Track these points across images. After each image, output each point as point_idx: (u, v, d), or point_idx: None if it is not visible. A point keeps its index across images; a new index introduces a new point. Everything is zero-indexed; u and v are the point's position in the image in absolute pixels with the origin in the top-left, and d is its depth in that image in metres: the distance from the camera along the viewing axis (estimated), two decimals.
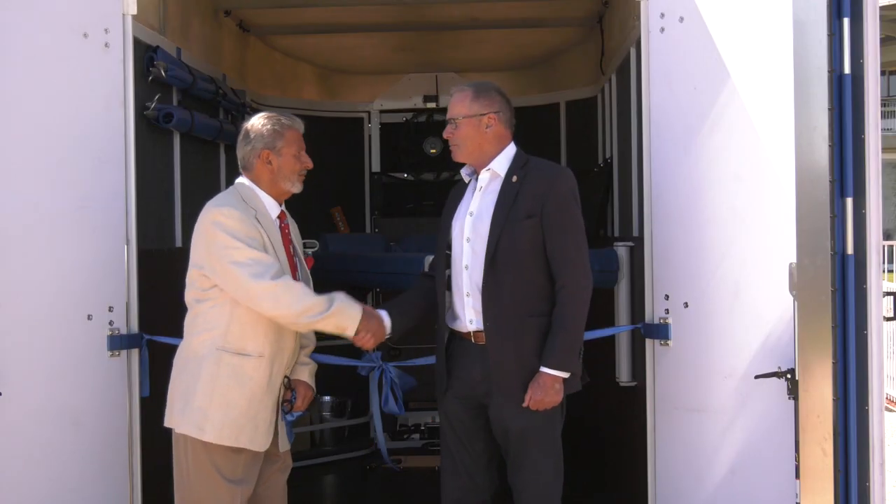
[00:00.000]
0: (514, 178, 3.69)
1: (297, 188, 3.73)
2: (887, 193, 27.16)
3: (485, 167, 3.75)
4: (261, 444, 3.62)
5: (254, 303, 3.51)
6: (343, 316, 3.60)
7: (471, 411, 3.79)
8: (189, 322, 3.66)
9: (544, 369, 3.58)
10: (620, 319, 4.66)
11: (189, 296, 3.65)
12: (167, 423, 3.64)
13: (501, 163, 3.74)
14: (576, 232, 3.65)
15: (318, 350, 3.94)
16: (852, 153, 3.44)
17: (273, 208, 3.70)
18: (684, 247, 3.93)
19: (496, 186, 3.72)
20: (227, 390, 3.54)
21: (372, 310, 3.75)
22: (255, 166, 3.69)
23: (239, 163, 3.75)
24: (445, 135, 3.79)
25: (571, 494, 3.90)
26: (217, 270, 3.54)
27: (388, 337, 3.80)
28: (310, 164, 3.76)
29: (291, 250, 3.75)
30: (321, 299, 3.57)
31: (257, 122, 3.71)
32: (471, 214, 3.75)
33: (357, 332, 3.64)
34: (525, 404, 3.58)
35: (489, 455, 3.84)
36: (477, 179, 3.80)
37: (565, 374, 3.59)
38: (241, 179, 3.73)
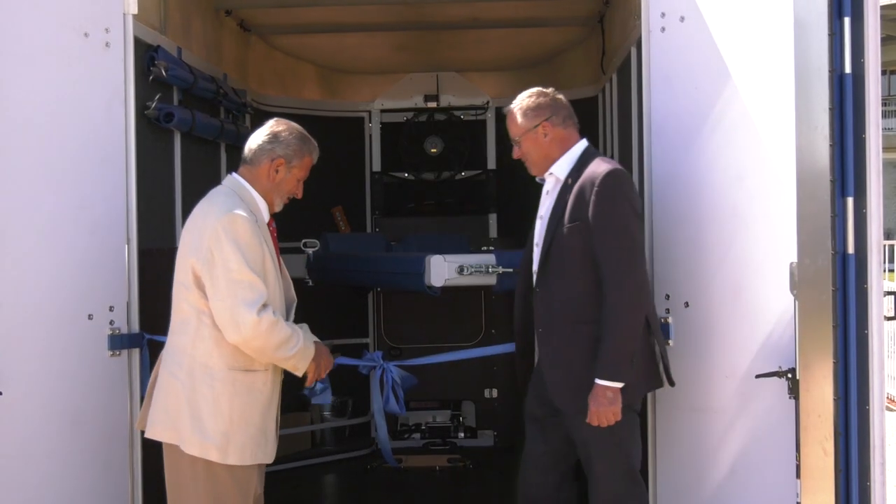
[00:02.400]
0: (569, 181, 3.69)
1: (278, 208, 3.71)
2: (888, 193, 27.12)
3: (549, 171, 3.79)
4: (271, 454, 3.63)
5: (231, 326, 3.42)
6: (300, 357, 3.58)
7: (544, 407, 3.80)
8: (189, 332, 3.52)
9: (596, 380, 3.54)
10: None
11: (187, 301, 3.52)
12: (166, 439, 3.54)
13: (562, 166, 3.75)
14: (621, 234, 3.56)
15: None
16: (853, 153, 3.43)
17: (265, 211, 3.65)
18: (685, 246, 3.93)
19: (558, 189, 3.75)
20: (245, 409, 3.50)
21: (321, 345, 3.73)
22: (262, 165, 3.62)
23: (245, 153, 3.67)
24: (514, 157, 3.84)
25: None
26: (209, 277, 3.44)
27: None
28: (300, 195, 3.74)
29: (278, 253, 3.73)
30: (291, 335, 3.52)
31: (288, 130, 3.66)
32: (540, 219, 3.80)
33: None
34: (588, 420, 3.57)
35: (564, 454, 3.82)
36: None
37: (618, 385, 3.53)
38: (236, 178, 3.65)
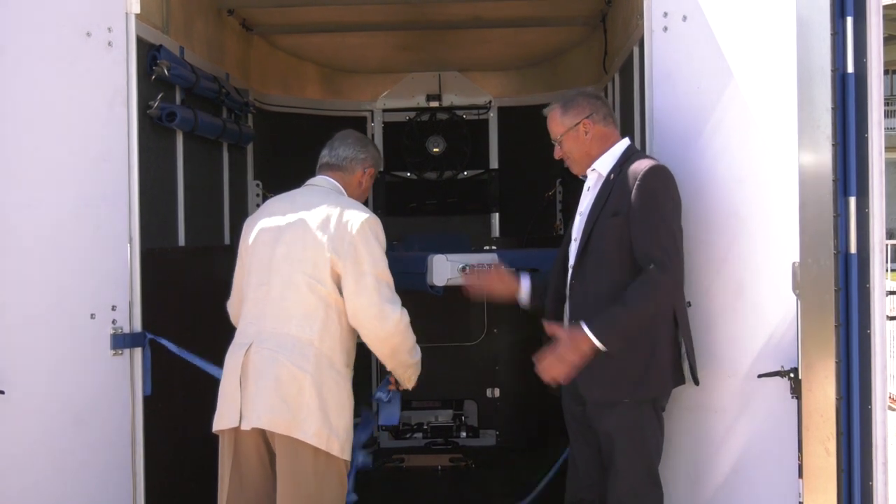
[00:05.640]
0: (611, 176, 3.71)
1: None
2: (890, 192, 27.05)
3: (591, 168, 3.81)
4: None
5: (378, 321, 3.51)
6: (419, 366, 3.76)
7: (581, 406, 3.79)
8: (316, 326, 3.53)
9: (581, 323, 3.53)
10: None
11: (317, 294, 3.53)
12: (283, 430, 3.47)
13: (605, 162, 3.77)
14: (661, 229, 3.57)
15: None
16: (855, 152, 3.43)
17: None
18: (687, 246, 3.91)
19: (599, 185, 3.76)
20: (352, 406, 3.61)
21: None
22: (356, 173, 3.80)
23: (333, 159, 3.81)
24: (556, 156, 3.87)
25: None
26: (353, 273, 3.51)
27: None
28: None
29: None
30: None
31: (369, 140, 3.90)
32: (580, 214, 3.81)
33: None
34: (536, 356, 3.57)
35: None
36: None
37: (596, 343, 3.50)
38: (336, 182, 3.77)
